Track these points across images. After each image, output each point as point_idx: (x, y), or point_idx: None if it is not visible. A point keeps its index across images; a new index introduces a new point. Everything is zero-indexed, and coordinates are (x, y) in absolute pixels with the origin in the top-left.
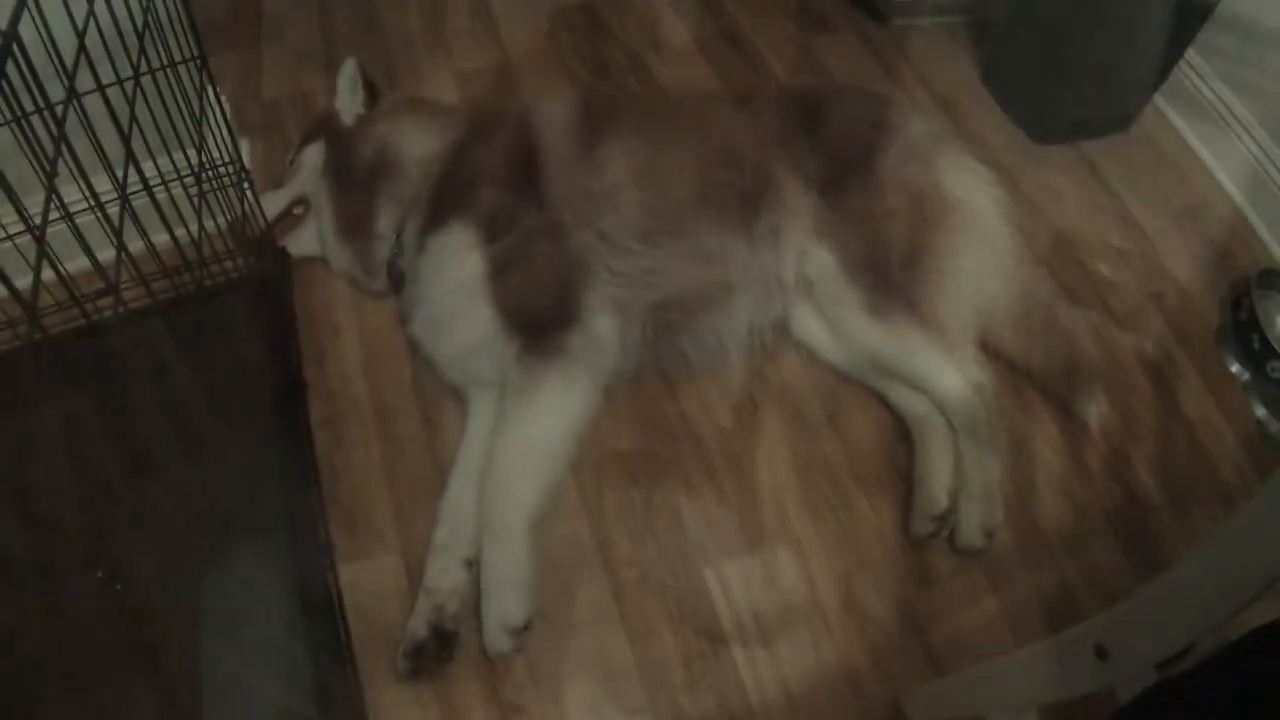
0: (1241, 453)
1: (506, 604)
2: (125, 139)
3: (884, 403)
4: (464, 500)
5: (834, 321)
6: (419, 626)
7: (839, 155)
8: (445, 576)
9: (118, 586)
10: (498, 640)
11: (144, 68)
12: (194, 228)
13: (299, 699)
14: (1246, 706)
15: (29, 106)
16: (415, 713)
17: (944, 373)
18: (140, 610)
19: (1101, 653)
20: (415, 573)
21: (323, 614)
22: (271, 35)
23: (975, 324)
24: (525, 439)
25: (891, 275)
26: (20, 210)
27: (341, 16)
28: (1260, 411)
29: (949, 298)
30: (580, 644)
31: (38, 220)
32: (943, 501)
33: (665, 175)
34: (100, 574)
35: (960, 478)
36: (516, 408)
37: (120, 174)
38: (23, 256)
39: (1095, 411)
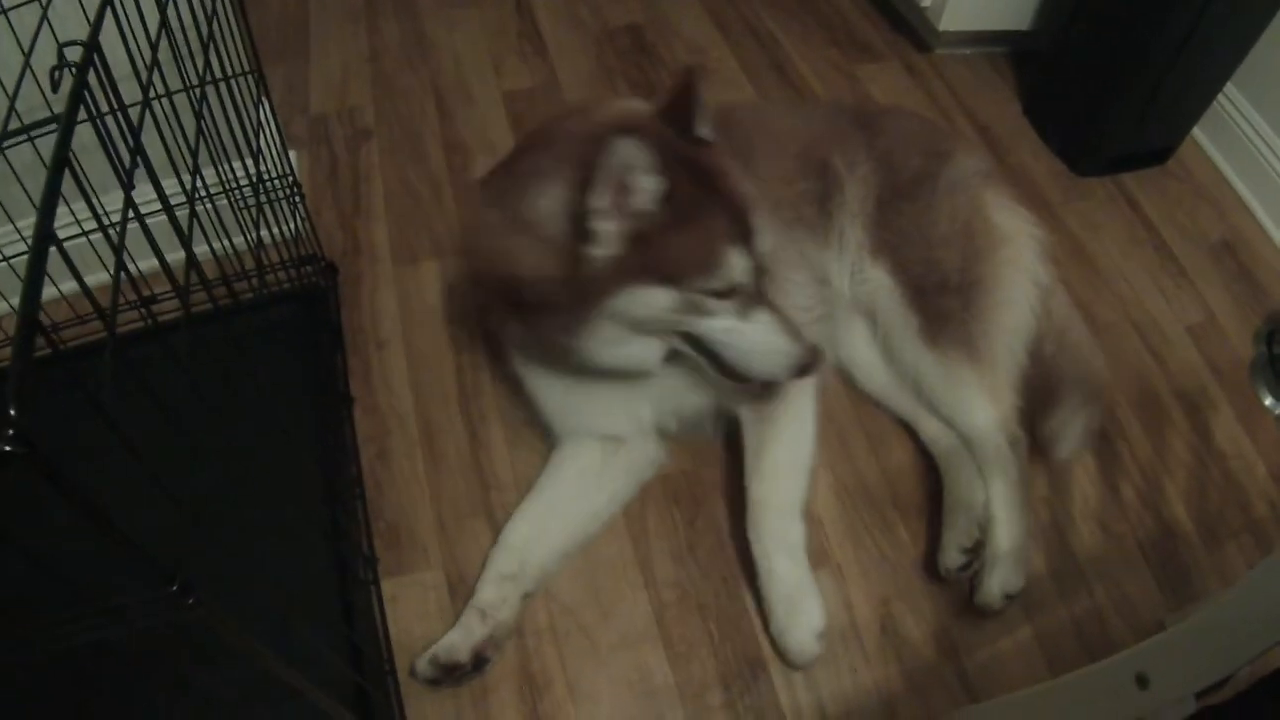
0: (1274, 486)
1: (813, 610)
2: (194, 144)
3: (913, 434)
4: (538, 534)
5: (888, 343)
6: (462, 650)
7: (893, 173)
8: (504, 607)
9: (190, 600)
10: (809, 646)
11: (207, 78)
12: (249, 237)
13: (340, 709)
14: None
15: (104, 107)
16: None
17: (987, 417)
18: (202, 622)
19: (1143, 681)
20: (457, 589)
21: (365, 627)
22: (318, 50)
23: (1019, 370)
24: (790, 458)
25: (947, 304)
26: (93, 208)
27: (389, 32)
28: None
29: (1000, 336)
30: (620, 663)
31: (110, 219)
32: (975, 534)
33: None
34: (175, 587)
35: (986, 536)
36: (775, 431)
37: (189, 179)
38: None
39: (1080, 427)
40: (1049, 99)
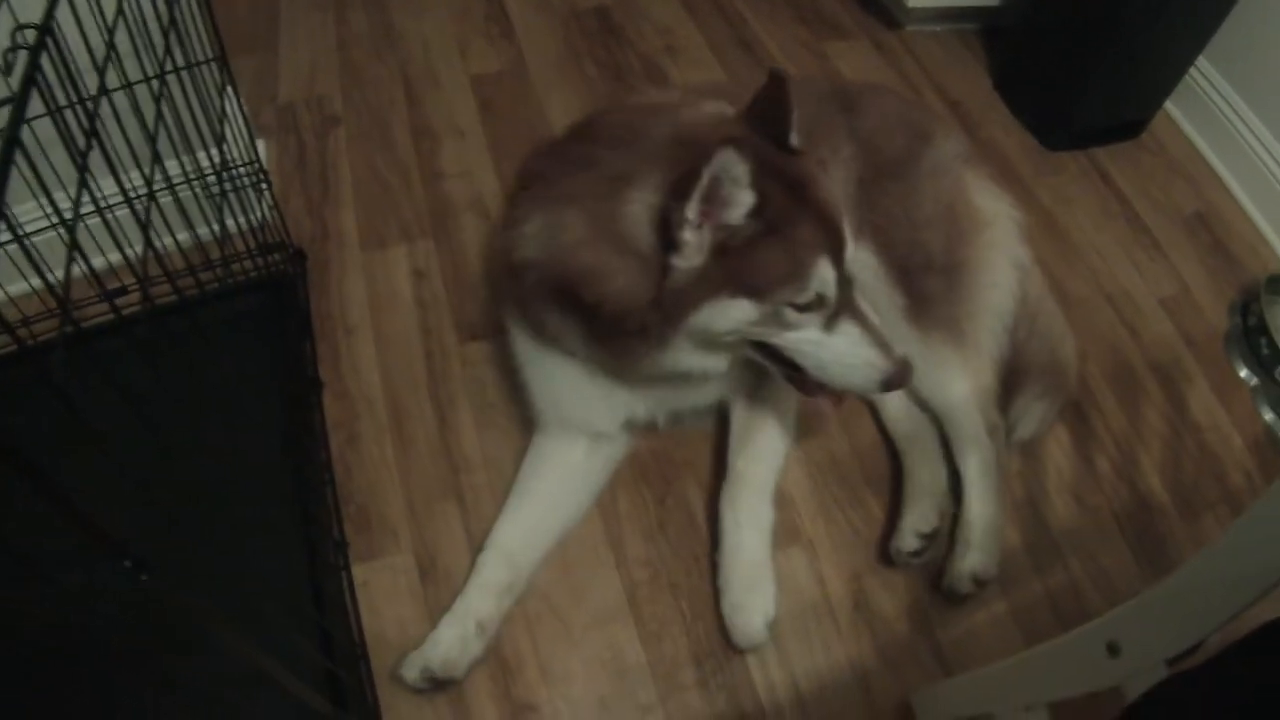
0: (1250, 457)
1: (769, 596)
2: (152, 137)
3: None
4: (530, 538)
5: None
6: (460, 666)
7: (876, 153)
8: (500, 618)
9: (144, 577)
10: (758, 631)
11: (169, 66)
12: (214, 227)
13: (313, 695)
14: (1260, 699)
15: (61, 101)
16: (427, 711)
17: (969, 400)
18: (162, 601)
19: (1114, 649)
20: (428, 572)
21: (336, 612)
22: (287, 39)
23: (1000, 353)
24: (774, 441)
25: (932, 284)
26: (53, 204)
27: (357, 21)
28: (1269, 416)
29: (983, 318)
30: (592, 643)
31: (68, 214)
32: (934, 519)
33: None
34: (128, 563)
35: (961, 520)
36: (764, 413)
37: (147, 170)
38: (16, 259)
39: (1035, 429)
40: (1020, 74)
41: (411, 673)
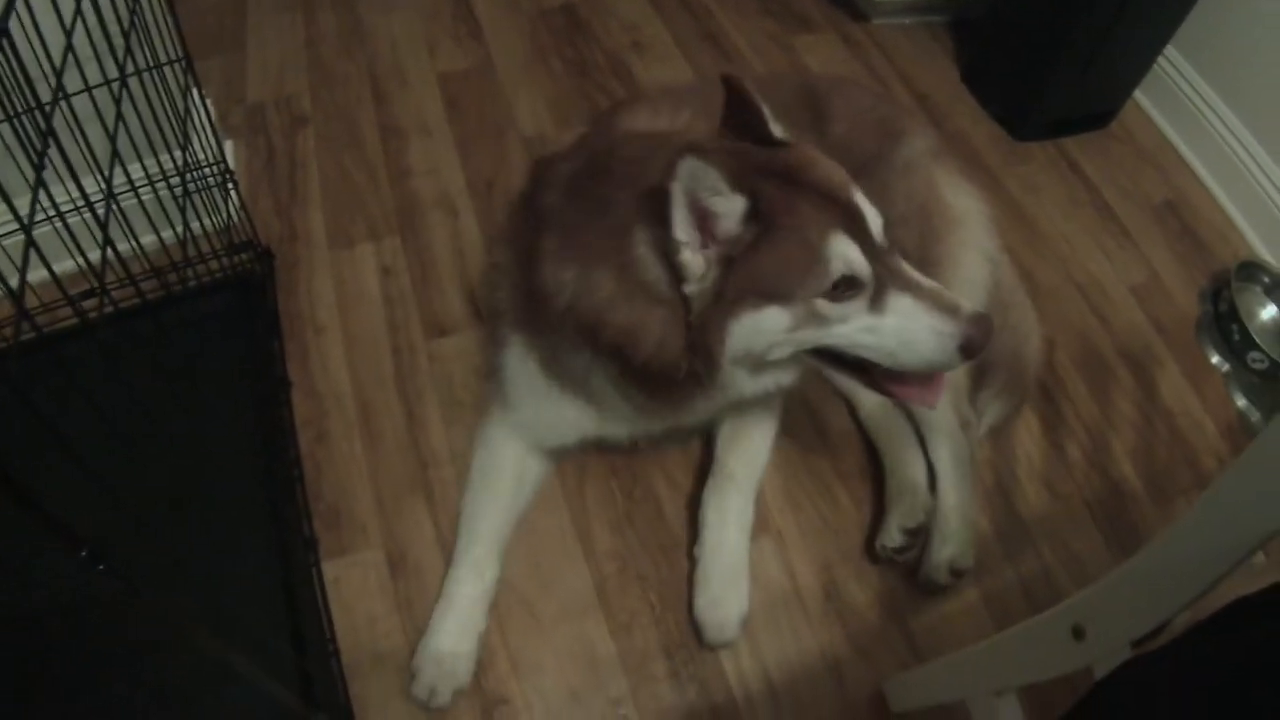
0: (1222, 443)
1: (744, 595)
2: (112, 139)
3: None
4: (497, 553)
5: None
6: (447, 695)
7: (847, 154)
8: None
9: (100, 566)
10: (731, 628)
11: (130, 68)
12: (180, 228)
13: (284, 692)
14: (1226, 678)
15: (19, 106)
16: (399, 706)
17: (943, 401)
18: (123, 594)
19: (1078, 633)
20: (398, 567)
21: (307, 609)
22: (255, 40)
23: None
24: (762, 443)
25: None
26: (11, 209)
27: (325, 20)
28: (1241, 402)
29: None
30: (562, 635)
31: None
32: (919, 515)
33: None
34: (84, 553)
35: (935, 514)
36: (755, 416)
37: (107, 174)
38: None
39: (1000, 419)
40: (987, 65)
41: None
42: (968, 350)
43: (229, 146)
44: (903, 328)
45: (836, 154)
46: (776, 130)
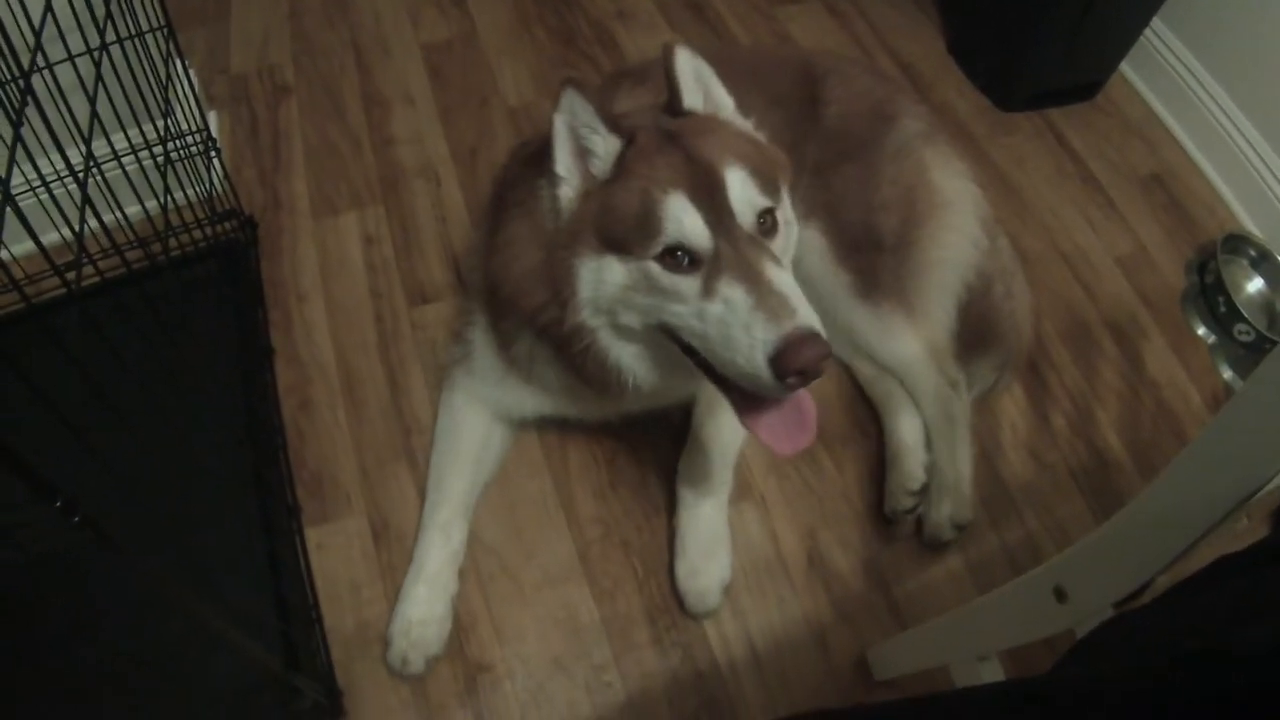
0: (1208, 414)
1: (725, 563)
2: (91, 101)
3: (835, 366)
4: (464, 507)
5: (817, 298)
6: (420, 662)
7: (838, 140)
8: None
9: (75, 519)
10: (713, 595)
11: (111, 36)
12: (164, 198)
13: (267, 657)
14: (1207, 632)
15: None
16: (381, 672)
17: (925, 364)
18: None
19: (1060, 594)
20: (380, 535)
21: (290, 576)
22: (239, 11)
23: (954, 319)
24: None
25: (882, 262)
26: None
27: None
28: (1227, 373)
29: (934, 292)
30: (545, 602)
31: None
32: (920, 475)
33: None
34: (58, 504)
35: (932, 472)
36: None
37: (98, 142)
38: None
39: (986, 386)
40: (973, 36)
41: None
42: (780, 365)
43: (213, 117)
44: (723, 319)
45: (829, 139)
46: (689, 100)
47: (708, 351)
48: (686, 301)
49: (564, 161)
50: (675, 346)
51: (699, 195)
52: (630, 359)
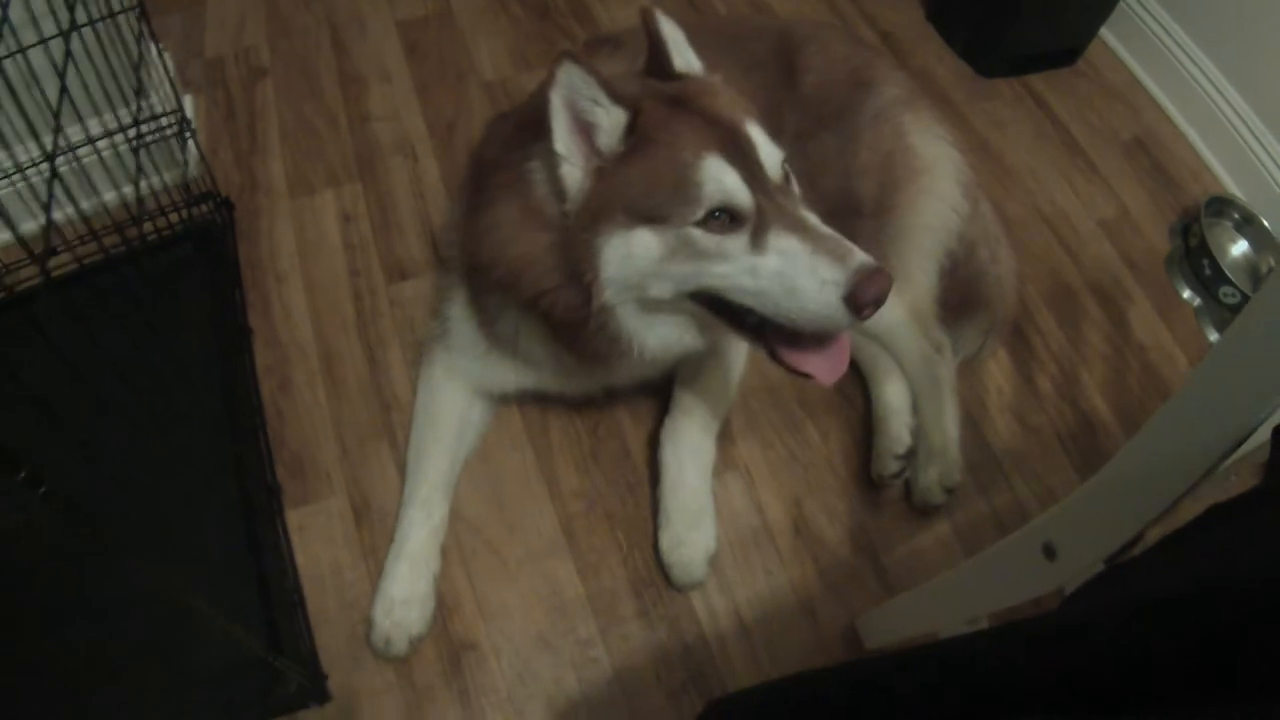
0: None
1: (709, 532)
2: (61, 77)
3: None
4: (444, 484)
5: None
6: (403, 643)
7: (816, 107)
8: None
9: (42, 489)
10: (698, 566)
11: (83, 18)
12: (142, 182)
13: (249, 639)
14: (1197, 585)
15: None
16: (365, 654)
17: (908, 328)
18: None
19: (1050, 552)
20: (362, 515)
21: (272, 557)
22: None
23: (936, 283)
24: (723, 379)
25: (861, 228)
26: None
27: None
28: (1213, 336)
29: (915, 255)
30: (529, 577)
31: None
32: (906, 438)
33: None
34: (22, 475)
35: (919, 435)
36: (714, 355)
37: (63, 130)
38: None
39: (973, 350)
40: (952, 2)
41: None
42: (856, 302)
43: (188, 100)
44: (784, 271)
45: (807, 106)
46: (680, 62)
47: (765, 305)
48: (734, 260)
49: (563, 139)
50: (703, 310)
51: (731, 153)
52: (642, 330)
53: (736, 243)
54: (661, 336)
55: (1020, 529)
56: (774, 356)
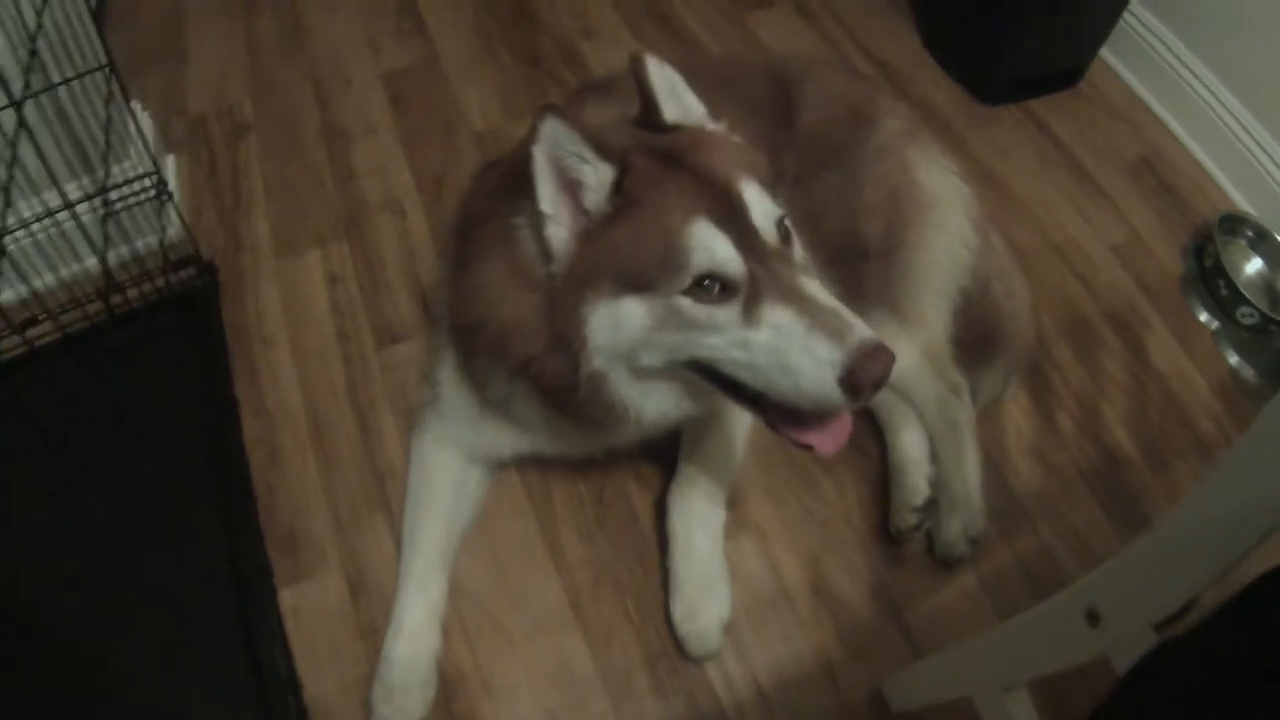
0: (1217, 402)
1: (724, 599)
2: (12, 145)
3: None
4: (441, 558)
5: None
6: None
7: (816, 146)
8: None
9: None
10: (713, 636)
11: (43, 83)
12: (118, 248)
13: None
14: (1267, 659)
15: None
16: None
17: (923, 371)
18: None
19: (1093, 617)
20: (359, 592)
21: (266, 640)
22: (195, 50)
23: (950, 322)
24: (728, 443)
25: (868, 271)
26: None
27: (266, 24)
28: (1233, 359)
29: (926, 295)
30: (536, 652)
31: None
32: (924, 489)
33: None
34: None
35: (938, 484)
36: (718, 417)
37: (7, 199)
38: None
39: (997, 391)
40: (948, 27)
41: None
42: (853, 383)
43: (170, 160)
44: (777, 347)
45: (806, 145)
46: (671, 112)
47: (758, 380)
48: (725, 332)
49: (548, 197)
50: (698, 378)
51: (721, 217)
52: (638, 396)
53: (728, 313)
54: (658, 403)
55: (1061, 592)
56: (773, 427)
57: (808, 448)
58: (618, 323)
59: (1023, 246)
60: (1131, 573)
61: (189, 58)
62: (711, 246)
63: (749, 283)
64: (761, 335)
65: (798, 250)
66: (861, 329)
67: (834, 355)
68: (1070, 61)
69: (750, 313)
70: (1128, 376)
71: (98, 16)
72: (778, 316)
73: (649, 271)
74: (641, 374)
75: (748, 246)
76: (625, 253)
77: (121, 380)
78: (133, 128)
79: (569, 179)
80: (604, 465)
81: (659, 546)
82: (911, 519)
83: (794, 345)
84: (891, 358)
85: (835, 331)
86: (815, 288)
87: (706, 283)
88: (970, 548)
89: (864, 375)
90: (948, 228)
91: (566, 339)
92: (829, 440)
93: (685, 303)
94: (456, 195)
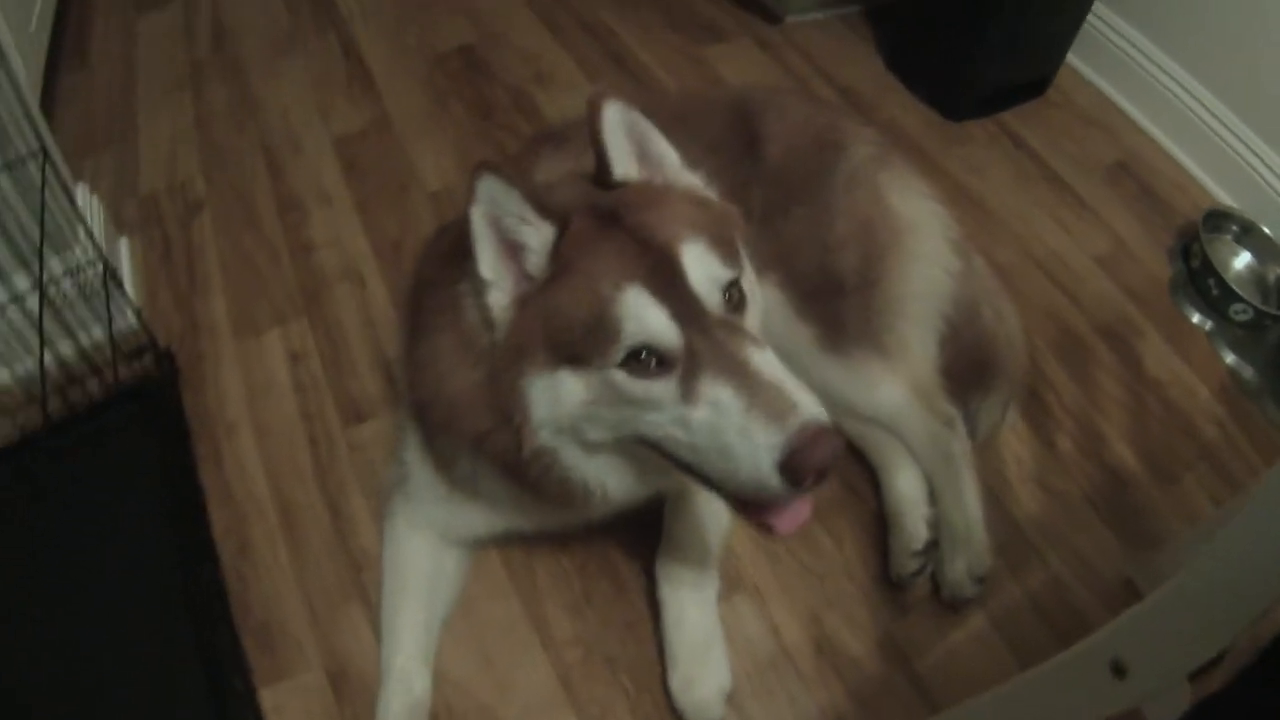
0: (1219, 406)
1: (721, 667)
2: None
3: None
4: (422, 650)
5: (784, 358)
6: None
7: (783, 179)
8: None
9: None
10: (713, 707)
11: None
12: (64, 342)
13: None
14: None
15: None
16: None
17: (912, 407)
18: None
19: (1119, 669)
20: (341, 687)
21: None
22: (146, 126)
23: (937, 353)
24: (714, 508)
25: (846, 307)
26: None
27: (215, 95)
28: (1230, 358)
29: (908, 327)
30: None
31: None
32: (923, 532)
33: None
34: None
35: (939, 524)
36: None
37: None
38: None
39: (997, 420)
40: (912, 48)
41: None
42: (793, 470)
43: (123, 243)
44: (713, 426)
45: (773, 180)
46: (620, 169)
47: (700, 463)
48: (664, 409)
49: (488, 262)
50: (654, 453)
51: (657, 284)
52: (597, 471)
53: (665, 388)
54: (620, 480)
55: (1082, 642)
56: (728, 502)
57: (767, 529)
58: (557, 397)
59: (1005, 265)
60: (1158, 620)
61: (140, 134)
62: (643, 316)
63: (686, 355)
64: (699, 413)
65: (751, 317)
66: (808, 408)
67: (772, 439)
68: (1038, 70)
69: (688, 388)
70: (1124, 390)
71: (48, 95)
72: (715, 392)
73: (581, 343)
74: (593, 449)
75: (686, 315)
76: (558, 322)
77: (77, 483)
78: (75, 216)
79: (510, 241)
80: (585, 538)
81: (651, 614)
82: (913, 564)
83: (730, 426)
84: (838, 441)
85: (776, 412)
86: (762, 359)
87: (644, 355)
88: (977, 587)
89: (805, 461)
90: (926, 254)
91: (508, 413)
92: (786, 521)
93: (620, 376)
94: (415, 260)
